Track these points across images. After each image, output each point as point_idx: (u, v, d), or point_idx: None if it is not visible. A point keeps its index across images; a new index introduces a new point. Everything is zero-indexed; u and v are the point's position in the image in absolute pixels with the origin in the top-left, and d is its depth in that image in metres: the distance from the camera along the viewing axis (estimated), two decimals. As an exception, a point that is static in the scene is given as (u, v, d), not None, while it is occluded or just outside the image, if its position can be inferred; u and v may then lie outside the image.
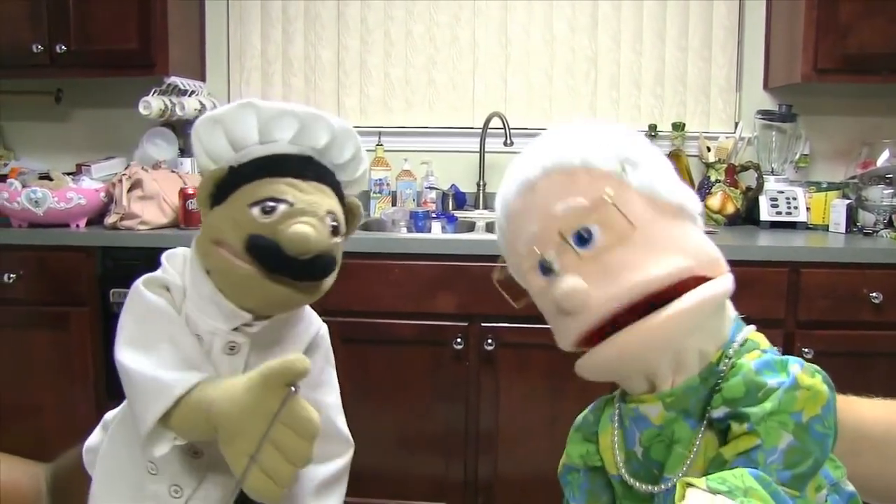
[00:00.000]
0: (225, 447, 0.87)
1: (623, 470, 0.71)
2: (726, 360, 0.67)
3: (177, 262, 1.05)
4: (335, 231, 0.99)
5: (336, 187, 1.05)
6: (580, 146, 0.71)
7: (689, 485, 0.57)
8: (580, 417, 0.80)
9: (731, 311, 0.71)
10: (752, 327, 0.71)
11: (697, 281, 0.66)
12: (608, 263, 0.67)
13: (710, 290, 0.66)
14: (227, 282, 0.98)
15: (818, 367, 0.64)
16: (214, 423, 0.88)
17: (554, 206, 0.69)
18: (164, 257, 1.05)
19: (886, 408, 0.79)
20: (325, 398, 1.13)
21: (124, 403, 1.08)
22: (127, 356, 0.96)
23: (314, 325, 1.14)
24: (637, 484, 0.70)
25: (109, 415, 1.14)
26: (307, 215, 0.96)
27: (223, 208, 0.99)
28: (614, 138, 0.72)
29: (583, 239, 0.68)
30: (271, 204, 0.95)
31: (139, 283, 1.01)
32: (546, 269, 0.70)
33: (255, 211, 0.95)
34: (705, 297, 0.65)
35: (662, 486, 0.67)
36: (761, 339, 0.70)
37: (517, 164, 0.74)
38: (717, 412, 0.65)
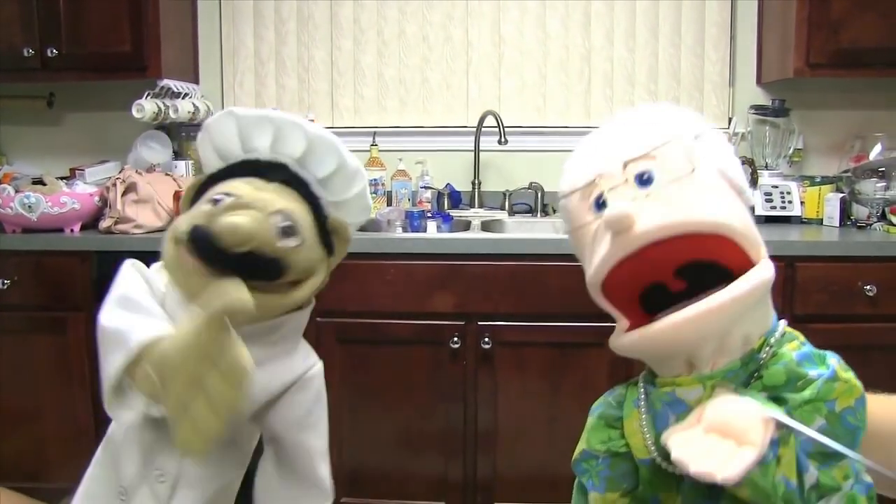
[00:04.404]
0: (164, 395, 0.83)
1: (654, 452, 0.72)
2: (767, 349, 0.69)
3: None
4: (286, 232, 0.92)
5: (312, 199, 0.98)
6: (660, 115, 0.78)
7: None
8: (599, 404, 0.80)
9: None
10: (785, 321, 0.73)
11: (736, 251, 0.68)
12: (661, 196, 0.70)
13: (760, 276, 0.68)
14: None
15: (848, 366, 0.67)
16: (160, 370, 0.83)
17: (623, 152, 0.74)
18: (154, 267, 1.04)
19: (894, 405, 0.80)
20: (311, 441, 1.06)
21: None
22: (105, 315, 0.93)
23: (307, 361, 1.07)
24: (670, 466, 0.70)
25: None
26: (250, 208, 0.89)
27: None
28: (691, 118, 0.79)
29: (643, 181, 0.72)
30: (220, 197, 0.90)
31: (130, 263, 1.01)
32: (601, 205, 0.74)
33: (206, 205, 0.91)
34: (756, 283, 0.67)
35: None
36: (796, 332, 0.72)
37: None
38: None
